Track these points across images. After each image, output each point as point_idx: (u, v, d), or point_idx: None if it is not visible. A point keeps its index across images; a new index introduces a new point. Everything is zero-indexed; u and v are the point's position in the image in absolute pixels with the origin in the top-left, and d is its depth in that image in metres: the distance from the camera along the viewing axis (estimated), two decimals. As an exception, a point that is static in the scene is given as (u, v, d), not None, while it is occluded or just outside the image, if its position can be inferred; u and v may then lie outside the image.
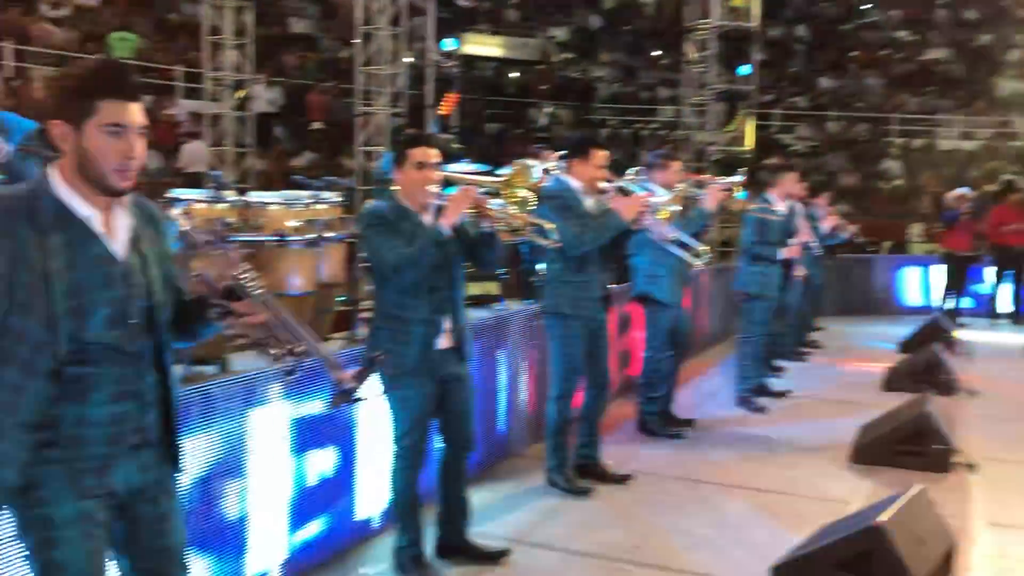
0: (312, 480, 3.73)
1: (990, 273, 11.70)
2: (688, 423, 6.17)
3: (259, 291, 2.22)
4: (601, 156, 4.65)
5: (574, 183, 4.68)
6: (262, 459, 3.42)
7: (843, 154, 19.16)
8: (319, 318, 5.83)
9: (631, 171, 5.32)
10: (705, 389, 7.43)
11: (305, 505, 3.67)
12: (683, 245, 5.44)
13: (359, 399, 2.42)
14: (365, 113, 10.29)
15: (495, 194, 3.72)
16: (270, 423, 3.47)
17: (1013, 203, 11.48)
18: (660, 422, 5.97)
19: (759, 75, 14.35)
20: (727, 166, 12.76)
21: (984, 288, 11.86)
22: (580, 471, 4.99)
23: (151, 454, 2.21)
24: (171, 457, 2.28)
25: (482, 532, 4.14)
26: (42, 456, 2.04)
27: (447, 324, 3.62)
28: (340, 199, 5.99)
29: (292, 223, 5.55)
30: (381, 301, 3.65)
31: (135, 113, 2.07)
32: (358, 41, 10.52)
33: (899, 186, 18.31)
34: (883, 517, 3.47)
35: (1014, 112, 20.39)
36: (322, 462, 3.79)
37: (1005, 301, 11.67)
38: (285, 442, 3.54)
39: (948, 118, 20.42)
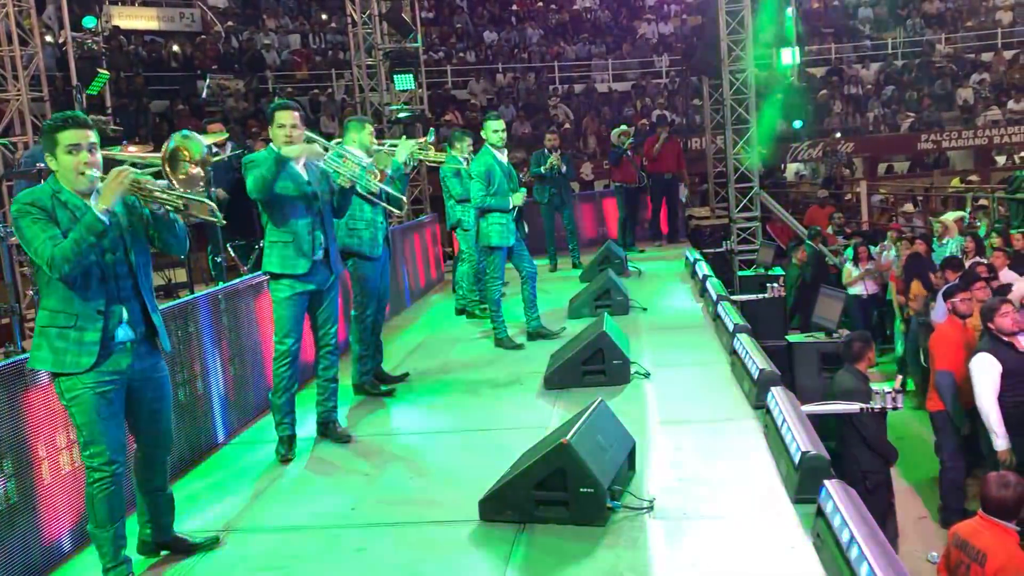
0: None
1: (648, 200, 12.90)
2: (401, 378, 6.27)
3: None
4: (281, 116, 4.71)
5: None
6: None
7: (514, 104, 20.14)
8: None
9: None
10: (409, 342, 7.58)
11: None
12: (387, 198, 5.72)
13: None
14: (-3, 101, 9.18)
15: (158, 175, 3.48)
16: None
17: (661, 135, 12.62)
18: (373, 381, 6.02)
19: (428, 33, 14.44)
20: (409, 125, 12.91)
21: (647, 214, 13.07)
22: (322, 429, 5.12)
23: None
24: None
25: (191, 527, 3.96)
26: None
27: (125, 314, 3.37)
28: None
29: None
30: (46, 296, 3.30)
31: None
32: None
33: (567, 129, 19.61)
34: (569, 435, 3.78)
35: (655, 53, 22.55)
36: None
37: (662, 224, 12.97)
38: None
39: (601, 62, 22.14)
